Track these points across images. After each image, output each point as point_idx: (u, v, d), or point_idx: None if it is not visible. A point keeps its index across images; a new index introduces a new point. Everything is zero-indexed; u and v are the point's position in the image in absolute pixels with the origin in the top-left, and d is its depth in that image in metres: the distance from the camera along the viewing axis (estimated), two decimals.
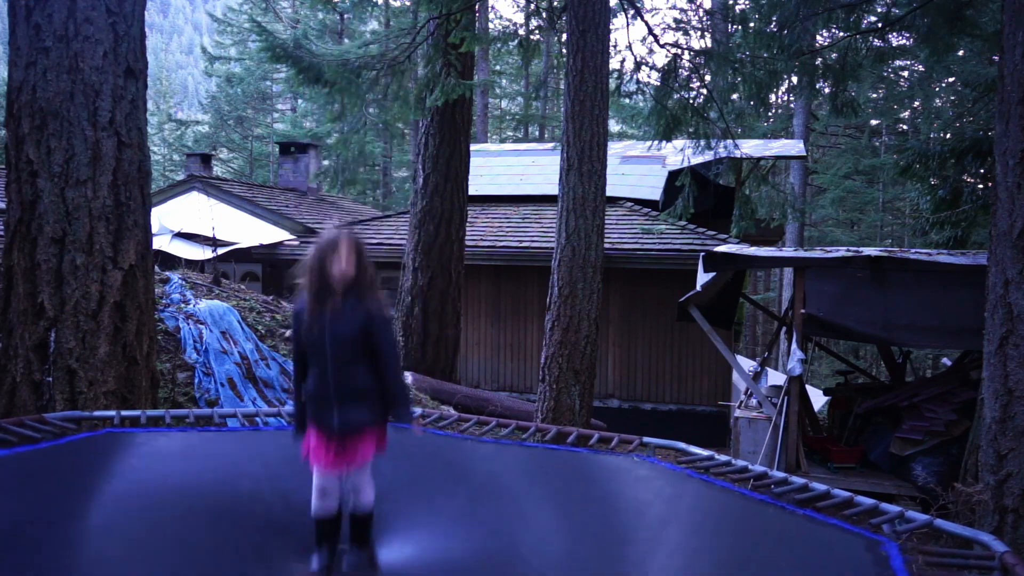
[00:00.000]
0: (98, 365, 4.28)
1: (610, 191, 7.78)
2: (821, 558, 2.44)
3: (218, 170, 29.44)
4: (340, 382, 2.58)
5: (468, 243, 10.74)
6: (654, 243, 11.60)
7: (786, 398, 6.97)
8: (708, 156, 9.51)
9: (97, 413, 3.87)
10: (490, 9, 24.83)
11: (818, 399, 10.43)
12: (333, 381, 2.58)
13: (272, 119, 33.68)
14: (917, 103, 21.99)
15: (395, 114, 9.86)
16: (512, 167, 15.01)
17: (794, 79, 10.05)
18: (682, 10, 19.36)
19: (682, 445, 3.57)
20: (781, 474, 3.10)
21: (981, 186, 9.88)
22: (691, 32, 13.94)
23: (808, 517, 2.71)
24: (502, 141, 29.17)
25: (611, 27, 6.80)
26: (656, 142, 9.26)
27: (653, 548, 2.56)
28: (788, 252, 8.13)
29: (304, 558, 2.52)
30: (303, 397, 2.70)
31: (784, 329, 9.03)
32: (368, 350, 2.61)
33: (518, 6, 30.60)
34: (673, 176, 12.77)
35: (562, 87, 17.69)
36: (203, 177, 16.52)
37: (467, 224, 10.48)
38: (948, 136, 13.86)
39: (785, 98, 24.04)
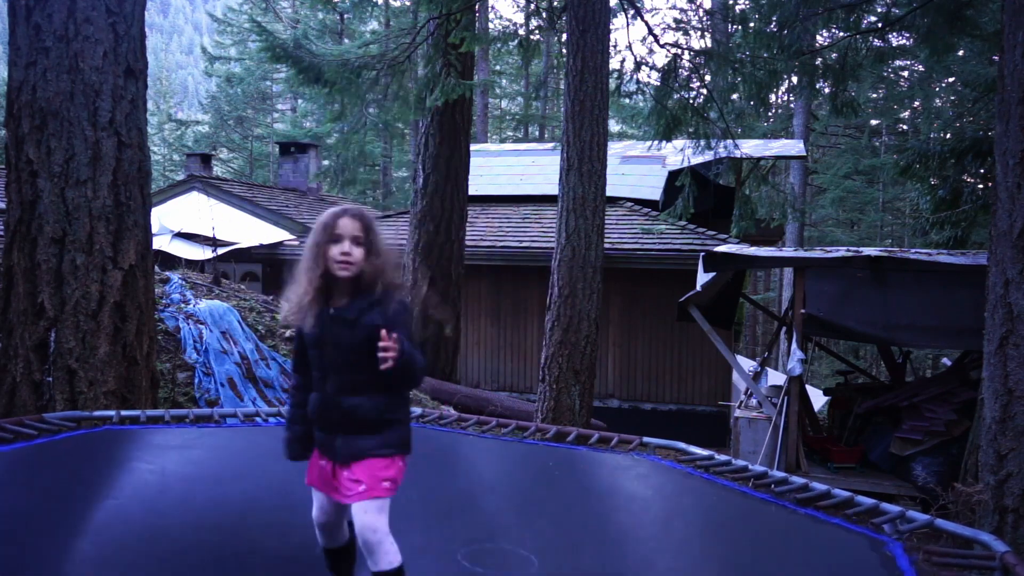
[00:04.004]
0: (98, 365, 4.28)
1: (610, 191, 7.78)
2: (826, 557, 2.44)
3: (218, 170, 29.45)
4: (341, 398, 2.07)
5: (468, 243, 10.74)
6: (654, 243, 11.60)
7: (786, 398, 6.97)
8: (708, 156, 9.51)
9: (97, 413, 3.86)
10: (490, 9, 24.83)
11: (818, 399, 10.43)
12: (333, 396, 2.08)
13: (272, 119, 33.70)
14: (917, 103, 21.99)
15: (395, 114, 9.87)
16: (512, 167, 15.01)
17: (794, 79, 10.05)
18: (682, 10, 19.37)
19: (682, 445, 3.57)
20: (781, 474, 3.10)
21: (981, 186, 9.88)
22: (691, 32, 13.96)
23: (810, 516, 2.71)
24: (502, 141, 29.18)
25: (611, 27, 6.80)
26: (656, 142, 9.26)
27: (655, 546, 2.56)
28: (788, 252, 8.13)
29: (304, 557, 2.50)
30: (308, 413, 2.18)
31: (784, 329, 9.03)
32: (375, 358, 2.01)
33: (518, 6, 30.63)
34: (673, 176, 12.77)
35: (562, 87, 17.69)
36: (203, 177, 16.53)
37: (467, 224, 10.48)
38: (948, 136, 13.86)
39: (785, 98, 24.05)
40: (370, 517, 2.01)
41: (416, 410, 4.13)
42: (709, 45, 11.41)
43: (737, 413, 7.95)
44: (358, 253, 2.06)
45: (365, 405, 2.07)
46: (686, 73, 8.83)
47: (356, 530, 2.03)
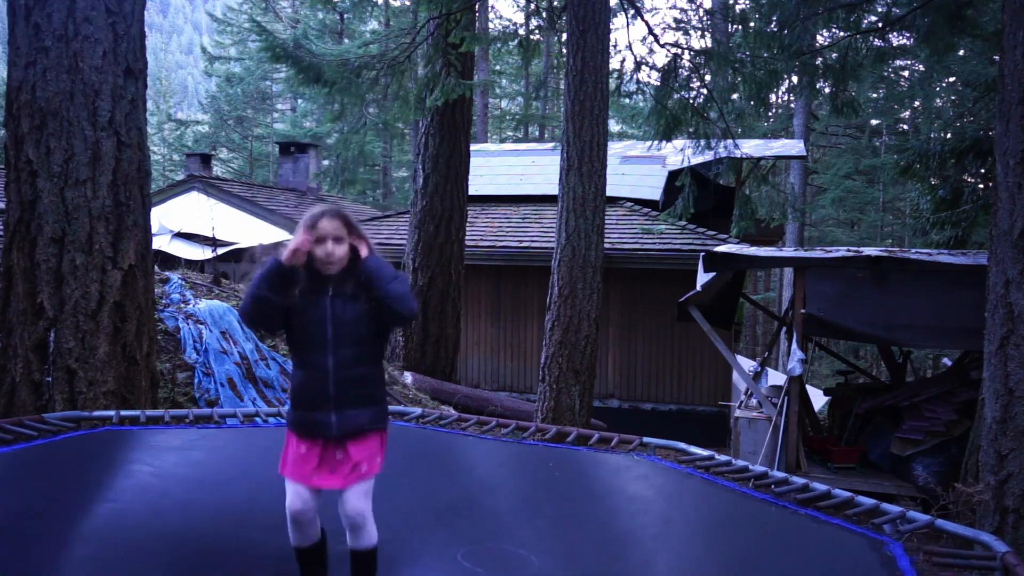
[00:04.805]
0: (98, 365, 4.27)
1: (610, 191, 7.78)
2: (826, 557, 2.44)
3: (218, 170, 29.45)
4: (341, 371, 2.19)
5: (468, 243, 10.74)
6: (654, 243, 11.60)
7: (786, 398, 6.97)
8: (708, 156, 9.51)
9: (97, 413, 3.86)
10: (490, 9, 24.84)
11: (818, 399, 10.43)
12: (333, 370, 2.19)
13: (272, 119, 33.70)
14: (917, 103, 21.99)
15: (395, 114, 9.87)
16: (512, 167, 15.01)
17: (794, 79, 10.05)
18: (682, 10, 19.38)
19: (682, 445, 3.57)
20: (781, 474, 3.10)
21: (981, 186, 9.88)
22: (691, 32, 13.95)
23: (811, 517, 2.71)
24: (502, 141, 29.17)
25: (611, 27, 6.80)
26: (656, 142, 9.26)
27: (654, 546, 2.56)
28: (788, 252, 8.13)
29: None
30: (290, 392, 2.28)
31: (784, 329, 9.03)
32: (375, 330, 2.25)
33: (518, 6, 30.63)
34: (673, 176, 12.77)
35: (562, 87, 17.69)
36: (203, 177, 16.53)
37: (467, 224, 10.48)
38: (948, 136, 13.85)
39: (785, 98, 24.05)
40: (362, 503, 2.19)
41: (416, 410, 4.13)
42: (709, 45, 11.40)
43: (737, 413, 7.95)
44: (340, 251, 2.21)
45: (368, 373, 2.25)
46: (686, 73, 8.82)
47: (347, 512, 2.18)
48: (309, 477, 2.21)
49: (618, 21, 9.85)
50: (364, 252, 2.25)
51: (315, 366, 2.21)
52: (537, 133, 29.84)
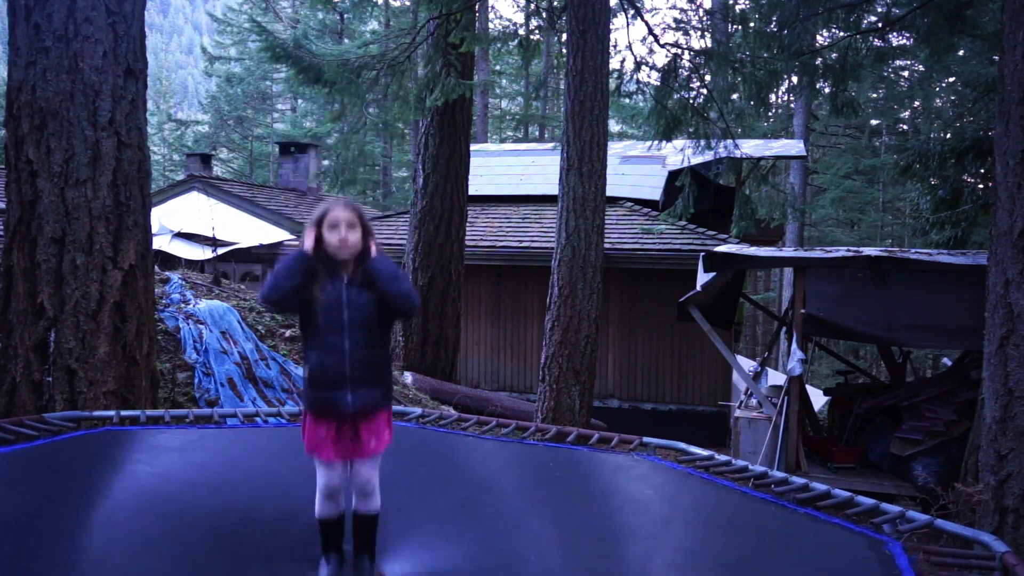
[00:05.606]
0: (98, 365, 4.28)
1: (610, 191, 7.78)
2: (825, 556, 2.44)
3: (218, 170, 29.45)
4: (356, 353, 2.38)
5: (468, 243, 10.74)
6: (654, 243, 11.60)
7: (786, 398, 6.97)
8: (708, 156, 9.51)
9: (97, 413, 3.86)
10: (490, 9, 24.84)
11: (818, 399, 10.43)
12: (350, 352, 2.37)
13: (272, 119, 33.70)
14: (917, 103, 21.99)
15: (395, 114, 9.87)
16: (512, 167, 15.01)
17: (794, 79, 10.05)
18: (682, 10, 19.37)
19: (682, 445, 3.57)
20: (781, 474, 3.10)
21: (981, 186, 9.88)
22: (691, 32, 13.94)
23: (810, 516, 2.71)
24: (502, 141, 29.17)
25: (611, 27, 6.80)
26: (656, 142, 9.26)
27: (654, 545, 2.56)
28: (788, 252, 8.13)
29: (304, 557, 2.51)
30: (306, 373, 2.46)
31: (784, 329, 9.03)
32: (385, 315, 2.44)
33: (518, 6, 30.63)
34: (673, 176, 12.77)
35: (562, 87, 17.69)
36: (203, 177, 16.53)
37: (467, 224, 10.48)
38: (948, 136, 13.85)
39: (785, 98, 24.06)
40: (372, 473, 2.44)
41: (416, 410, 4.13)
42: (709, 45, 11.39)
43: (737, 413, 7.95)
44: (354, 237, 2.38)
45: (380, 355, 2.47)
46: (686, 73, 8.83)
47: (360, 481, 2.42)
48: (329, 452, 2.39)
49: (618, 21, 9.85)
50: (373, 252, 2.43)
51: (332, 348, 2.38)
52: (537, 133, 29.85)
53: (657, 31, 10.52)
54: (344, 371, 2.37)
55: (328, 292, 2.38)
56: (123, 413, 3.79)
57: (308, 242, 2.39)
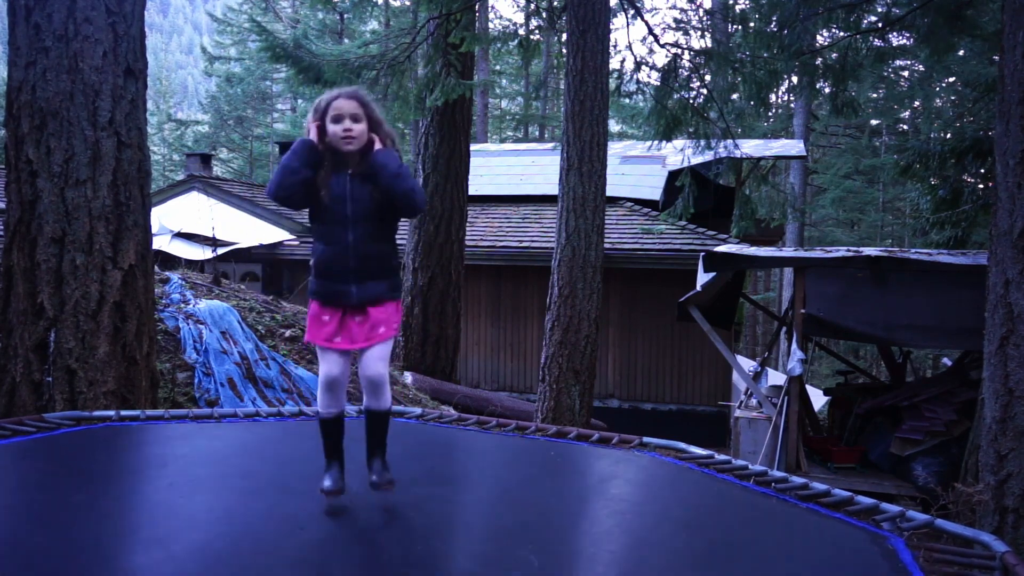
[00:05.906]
0: (98, 365, 4.28)
1: (610, 191, 7.78)
2: (827, 550, 2.44)
3: (218, 170, 29.44)
4: (360, 246, 2.35)
5: (468, 243, 10.74)
6: (654, 243, 11.60)
7: (786, 398, 6.98)
8: (708, 156, 9.52)
9: (96, 413, 3.86)
10: (490, 9, 24.84)
11: (818, 399, 10.43)
12: (353, 245, 2.34)
13: (272, 119, 33.72)
14: (917, 103, 22.00)
15: (395, 114, 9.86)
16: (512, 167, 15.02)
17: (794, 79, 10.05)
18: (682, 10, 19.36)
19: (682, 445, 3.56)
20: (781, 473, 3.10)
21: (981, 186, 9.88)
22: (691, 32, 13.96)
23: (811, 511, 2.71)
24: (502, 141, 29.17)
25: (611, 27, 6.81)
26: (656, 142, 9.27)
27: (654, 542, 2.56)
28: (788, 252, 8.13)
29: (305, 552, 2.50)
30: (312, 264, 2.42)
31: (784, 329, 9.03)
32: (390, 209, 2.38)
33: (518, 6, 30.63)
34: (673, 176, 12.77)
35: (562, 87, 17.69)
36: (203, 177, 16.52)
37: (467, 224, 10.49)
38: (948, 136, 13.86)
39: (785, 98, 24.06)
40: (381, 365, 2.38)
41: (416, 410, 4.13)
42: (709, 45, 11.40)
43: (737, 413, 7.95)
44: (358, 128, 2.31)
45: (385, 249, 2.43)
46: (686, 73, 8.83)
47: (368, 374, 2.37)
48: (333, 340, 2.37)
49: (618, 21, 9.85)
50: (377, 145, 2.34)
51: (336, 241, 2.36)
52: (537, 133, 29.86)
53: (657, 31, 10.52)
54: (348, 264, 2.35)
55: (332, 185, 2.34)
56: (123, 413, 3.79)
57: (312, 133, 2.32)
